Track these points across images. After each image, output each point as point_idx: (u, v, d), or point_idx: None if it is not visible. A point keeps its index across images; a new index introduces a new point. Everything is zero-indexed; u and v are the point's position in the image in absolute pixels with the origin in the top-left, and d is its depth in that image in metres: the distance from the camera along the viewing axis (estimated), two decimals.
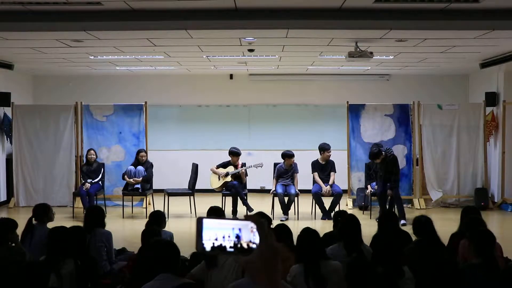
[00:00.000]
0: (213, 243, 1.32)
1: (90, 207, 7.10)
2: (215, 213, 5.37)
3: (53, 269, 3.69)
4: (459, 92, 12.19)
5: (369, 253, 4.29)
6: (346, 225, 4.65)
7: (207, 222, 1.33)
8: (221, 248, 1.32)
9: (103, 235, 5.12)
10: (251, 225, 1.31)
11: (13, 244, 4.60)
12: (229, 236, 1.31)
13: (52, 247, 3.98)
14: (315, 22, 6.30)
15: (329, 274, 3.65)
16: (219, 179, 9.30)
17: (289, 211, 9.07)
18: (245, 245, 1.30)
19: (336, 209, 9.03)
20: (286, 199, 9.11)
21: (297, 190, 9.10)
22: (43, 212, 5.33)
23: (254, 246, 1.29)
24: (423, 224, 4.61)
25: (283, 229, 4.62)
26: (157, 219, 5.36)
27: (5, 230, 4.52)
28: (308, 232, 3.94)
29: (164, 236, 5.16)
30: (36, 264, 3.59)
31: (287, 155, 9.21)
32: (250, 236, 1.30)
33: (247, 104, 12.42)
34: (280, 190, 9.06)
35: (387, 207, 8.77)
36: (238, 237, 1.31)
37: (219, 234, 1.32)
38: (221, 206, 9.04)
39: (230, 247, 1.31)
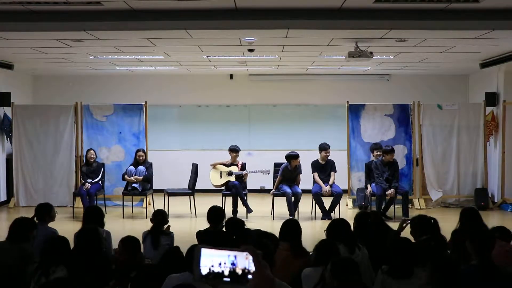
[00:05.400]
0: (210, 269, 1.36)
1: (88, 207, 7.07)
2: (216, 213, 5.35)
3: (44, 275, 3.69)
4: (459, 92, 12.19)
5: (365, 255, 4.28)
6: (337, 227, 4.57)
7: (204, 251, 1.38)
8: (218, 274, 1.36)
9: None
10: (245, 253, 1.35)
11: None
12: (225, 263, 1.36)
13: (45, 254, 3.96)
14: (315, 22, 6.30)
15: None
16: (220, 177, 9.28)
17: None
18: (240, 272, 1.35)
19: (337, 209, 9.08)
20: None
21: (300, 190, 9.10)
22: (45, 211, 5.32)
23: (248, 273, 1.34)
24: (426, 223, 4.62)
25: (294, 227, 4.47)
26: (159, 217, 5.35)
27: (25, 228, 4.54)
28: (327, 244, 3.90)
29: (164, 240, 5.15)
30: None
31: (292, 157, 9.08)
32: (245, 263, 1.35)
33: (247, 104, 12.42)
34: (288, 190, 8.95)
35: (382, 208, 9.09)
36: (233, 264, 1.36)
37: (215, 260, 1.37)
38: (221, 206, 9.04)
39: (226, 275, 1.35)
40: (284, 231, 4.44)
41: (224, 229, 5.08)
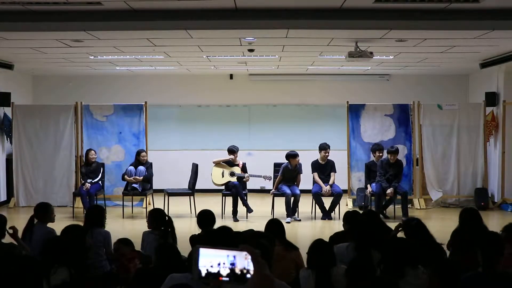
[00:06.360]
0: (208, 270, 1.36)
1: (91, 206, 7.08)
2: (205, 217, 5.26)
3: (44, 277, 3.69)
4: (459, 92, 12.19)
5: (376, 258, 4.27)
6: (362, 226, 4.61)
7: (203, 251, 1.37)
8: (216, 275, 1.36)
9: (101, 235, 5.11)
10: (245, 253, 1.35)
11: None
12: (224, 263, 1.35)
13: (46, 256, 3.95)
14: (315, 22, 6.30)
15: (336, 281, 3.62)
16: (222, 176, 9.26)
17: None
18: (238, 272, 1.35)
19: (337, 209, 9.08)
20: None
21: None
22: (43, 212, 5.33)
23: (247, 273, 1.34)
24: (414, 227, 4.60)
25: (276, 225, 4.62)
26: (158, 217, 5.33)
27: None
28: (320, 244, 3.91)
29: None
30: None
31: (291, 156, 9.10)
32: (244, 263, 1.35)
33: (247, 104, 12.42)
34: (288, 190, 8.96)
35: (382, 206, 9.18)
36: (232, 264, 1.35)
37: (214, 261, 1.36)
38: (221, 206, 9.05)
39: (225, 275, 1.35)
40: (269, 230, 4.57)
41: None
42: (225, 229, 4.39)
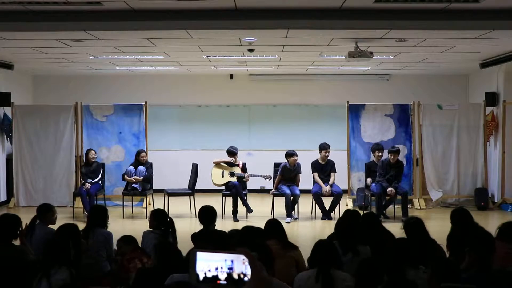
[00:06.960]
0: (205, 274, 1.36)
1: (94, 206, 7.07)
2: (206, 213, 5.27)
3: (44, 277, 3.68)
4: (459, 92, 12.19)
5: (366, 253, 4.27)
6: (343, 221, 4.63)
7: (200, 254, 1.37)
8: (213, 278, 1.36)
9: (102, 235, 5.11)
10: (242, 257, 1.35)
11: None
12: (221, 268, 1.35)
13: (46, 256, 3.94)
14: (315, 22, 6.30)
15: (336, 285, 3.63)
16: (222, 176, 9.26)
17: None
18: (236, 276, 1.34)
19: (337, 209, 9.08)
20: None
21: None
22: (44, 212, 5.33)
23: (245, 278, 1.34)
24: (414, 225, 4.59)
25: (275, 225, 4.63)
26: (160, 217, 5.32)
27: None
28: (323, 245, 3.90)
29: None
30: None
31: (289, 154, 9.13)
32: (242, 267, 1.34)
33: (247, 104, 12.42)
34: (287, 191, 8.96)
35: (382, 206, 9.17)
36: (230, 268, 1.35)
37: (212, 265, 1.36)
38: (221, 206, 9.05)
39: (222, 279, 1.35)
40: (268, 230, 4.58)
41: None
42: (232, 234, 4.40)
